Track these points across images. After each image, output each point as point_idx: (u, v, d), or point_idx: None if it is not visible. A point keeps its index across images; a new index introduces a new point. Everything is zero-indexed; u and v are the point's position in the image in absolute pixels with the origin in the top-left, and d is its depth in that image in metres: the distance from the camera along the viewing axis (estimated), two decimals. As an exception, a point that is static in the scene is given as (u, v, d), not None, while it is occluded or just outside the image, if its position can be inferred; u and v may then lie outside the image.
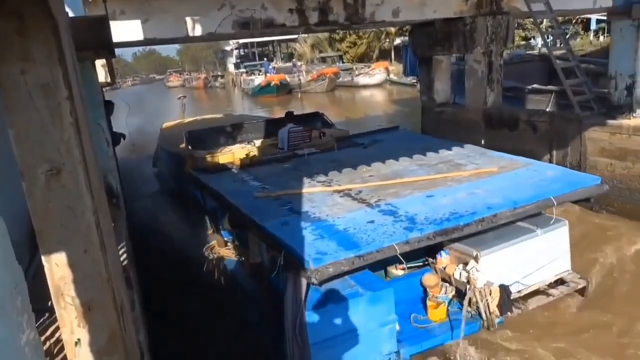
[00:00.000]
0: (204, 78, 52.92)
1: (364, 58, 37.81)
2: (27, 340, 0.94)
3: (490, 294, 4.09)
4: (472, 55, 9.41)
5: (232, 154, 7.12)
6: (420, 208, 4.22)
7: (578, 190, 4.58)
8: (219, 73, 53.75)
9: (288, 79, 34.04)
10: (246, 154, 7.02)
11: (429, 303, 4.22)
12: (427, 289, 4.27)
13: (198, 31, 7.59)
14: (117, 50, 4.35)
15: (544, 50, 12.84)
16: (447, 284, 4.29)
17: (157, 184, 10.46)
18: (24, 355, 0.93)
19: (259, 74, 37.68)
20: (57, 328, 2.48)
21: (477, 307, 4.13)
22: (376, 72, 31.64)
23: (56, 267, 1.72)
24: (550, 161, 7.96)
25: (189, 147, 7.76)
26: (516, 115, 8.73)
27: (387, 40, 35.80)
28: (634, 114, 7.18)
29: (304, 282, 3.49)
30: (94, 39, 3.41)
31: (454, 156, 5.74)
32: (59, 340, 2.51)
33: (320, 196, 4.70)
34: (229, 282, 5.31)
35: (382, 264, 4.18)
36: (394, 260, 3.96)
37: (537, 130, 8.19)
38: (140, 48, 79.92)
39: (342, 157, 6.34)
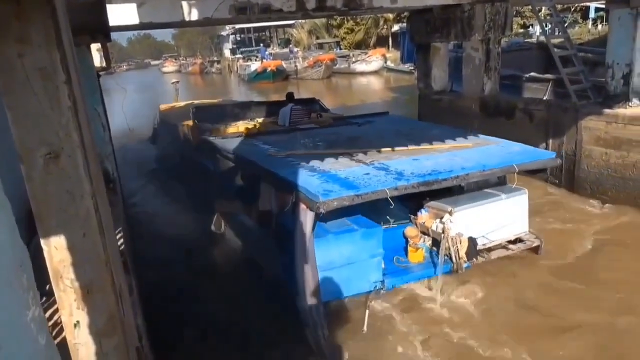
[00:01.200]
0: (200, 63, 52.32)
1: (361, 45, 37.57)
2: (32, 316, 0.96)
3: (460, 243, 5.01)
4: (469, 42, 9.39)
5: (237, 127, 7.64)
6: (407, 167, 4.99)
7: (535, 161, 5.51)
8: (215, 58, 53.27)
9: (284, 65, 33.80)
10: (253, 126, 7.70)
11: (409, 248, 5.26)
12: (409, 239, 5.28)
13: (194, 15, 7.54)
14: (112, 35, 4.33)
15: (542, 38, 12.82)
16: (426, 236, 5.30)
17: (155, 164, 10.69)
18: (30, 331, 0.95)
19: (255, 60, 37.38)
20: (56, 311, 2.51)
21: (449, 253, 5.01)
22: (373, 59, 31.43)
23: (55, 250, 1.73)
24: (547, 149, 8.00)
25: (195, 120, 8.13)
26: (513, 104, 8.74)
27: (385, 26, 35.55)
28: (630, 104, 7.20)
29: (311, 214, 4.22)
30: (90, 22, 3.39)
31: (437, 135, 6.45)
32: (57, 323, 2.53)
33: (324, 156, 5.48)
34: (237, 232, 6.29)
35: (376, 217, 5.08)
36: (386, 213, 5.00)
37: (534, 118, 8.22)
38: (135, 32, 79.21)
39: (339, 132, 7.10)
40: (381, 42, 36.56)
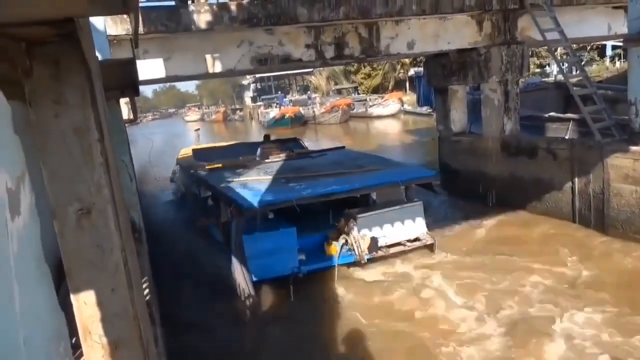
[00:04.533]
0: (224, 111, 53.73)
1: (379, 89, 38.22)
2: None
3: (362, 240, 6.88)
4: (487, 84, 9.45)
5: (221, 164, 9.59)
6: (321, 185, 7.13)
7: (417, 178, 7.80)
8: (238, 106, 54.74)
9: (302, 111, 34.54)
10: (228, 163, 9.73)
11: (326, 244, 7.04)
12: (330, 239, 7.08)
13: (218, 68, 7.81)
14: (140, 87, 4.51)
15: (560, 77, 12.83)
16: (343, 235, 6.98)
17: (172, 196, 12.83)
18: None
19: (275, 107, 38.33)
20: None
21: (353, 247, 6.87)
22: (390, 103, 31.83)
23: (84, 305, 1.73)
24: (573, 189, 7.83)
25: (194, 159, 11.03)
26: (535, 143, 8.65)
27: (402, 70, 36.21)
28: (656, 140, 7.06)
29: (241, 220, 6.62)
30: (121, 80, 3.54)
31: (366, 162, 8.61)
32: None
33: (264, 180, 7.76)
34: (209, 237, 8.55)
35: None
36: (327, 221, 7.42)
37: (557, 157, 8.10)
38: (161, 84, 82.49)
39: (293, 163, 9.31)
40: (398, 85, 37.15)
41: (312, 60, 8.35)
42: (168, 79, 8.16)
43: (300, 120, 33.69)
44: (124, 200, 2.20)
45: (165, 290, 6.09)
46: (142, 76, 5.63)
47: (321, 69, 39.30)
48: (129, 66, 3.69)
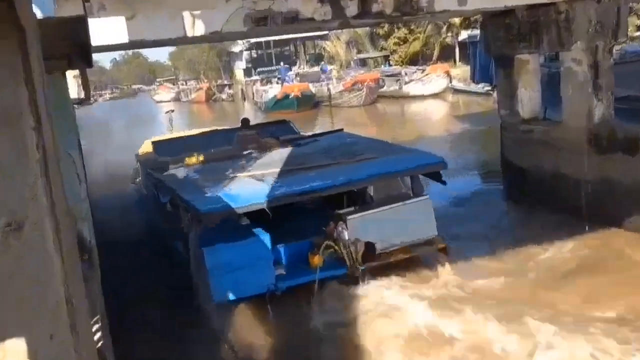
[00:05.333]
0: (207, 89, 53.93)
1: (418, 59, 38.15)
2: None
3: (356, 247, 7.23)
4: (569, 53, 9.34)
5: (191, 159, 10.14)
6: (296, 181, 7.69)
7: (421, 166, 8.31)
8: (226, 82, 55.03)
9: (313, 89, 34.57)
10: (196, 159, 10.23)
11: (310, 253, 7.45)
12: (315, 247, 7.51)
13: (200, 29, 7.82)
14: (93, 56, 4.49)
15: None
16: (329, 242, 7.45)
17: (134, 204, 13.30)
18: None
19: (277, 83, 38.42)
20: None
21: (344, 256, 7.21)
22: (433, 78, 31.81)
23: (10, 357, 1.71)
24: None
25: (155, 153, 11.40)
26: (636, 134, 8.53)
27: (450, 34, 36.11)
28: None
29: (200, 228, 7.26)
30: (68, 45, 3.53)
31: (363, 149, 9.27)
32: None
33: (233, 178, 8.34)
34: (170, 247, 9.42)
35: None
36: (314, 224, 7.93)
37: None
38: (122, 52, 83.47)
39: (273, 155, 9.93)
40: (445, 54, 37.05)
41: (327, 20, 8.32)
42: (132, 44, 8.20)
43: (310, 101, 33.79)
44: (69, 210, 2.17)
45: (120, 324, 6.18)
46: (96, 40, 5.65)
47: (339, 31, 39.31)
48: (79, 26, 3.68)
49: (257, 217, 7.34)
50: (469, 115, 23.09)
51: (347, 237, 7.25)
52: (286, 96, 33.41)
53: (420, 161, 8.45)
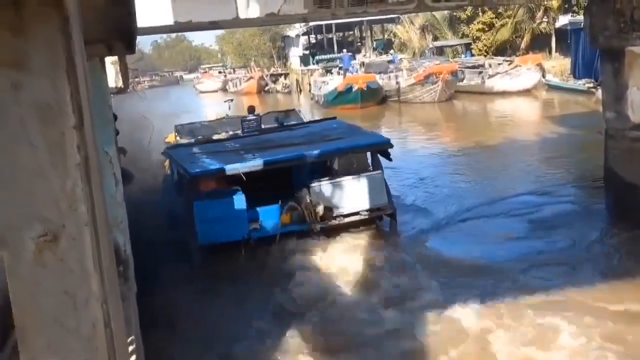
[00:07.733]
0: (259, 78, 54.23)
1: (506, 48, 37.52)
2: None
3: (315, 209, 10.39)
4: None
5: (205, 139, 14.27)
6: (270, 155, 10.99)
7: (369, 145, 11.70)
8: (281, 71, 55.38)
9: (380, 81, 34.38)
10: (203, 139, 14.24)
11: (282, 214, 10.61)
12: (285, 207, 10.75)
13: (254, 11, 7.91)
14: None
15: None
16: (292, 204, 10.76)
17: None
18: None
19: (338, 74, 38.41)
20: None
21: (305, 216, 10.43)
22: (523, 71, 31.15)
23: (42, 385, 1.74)
24: None
25: (177, 135, 15.51)
26: None
27: (546, 19, 35.36)
28: None
29: (190, 186, 10.57)
30: (110, 28, 3.58)
31: (339, 133, 12.67)
32: None
33: (224, 152, 11.82)
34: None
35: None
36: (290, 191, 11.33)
37: None
38: (165, 34, 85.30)
39: (269, 137, 13.18)
40: (538, 43, 36.31)
41: (402, 2, 8.27)
42: (177, 27, 8.36)
43: (376, 96, 33.59)
44: (107, 219, 2.21)
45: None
46: (140, 23, 5.78)
47: (414, 14, 39.08)
48: (122, 6, 3.73)
49: (244, 186, 10.34)
50: (566, 116, 22.36)
51: (308, 200, 10.48)
52: (349, 88, 33.05)
53: (369, 140, 12.10)
